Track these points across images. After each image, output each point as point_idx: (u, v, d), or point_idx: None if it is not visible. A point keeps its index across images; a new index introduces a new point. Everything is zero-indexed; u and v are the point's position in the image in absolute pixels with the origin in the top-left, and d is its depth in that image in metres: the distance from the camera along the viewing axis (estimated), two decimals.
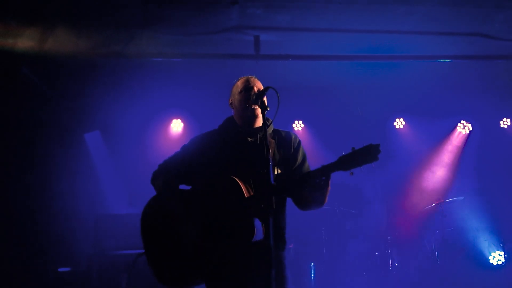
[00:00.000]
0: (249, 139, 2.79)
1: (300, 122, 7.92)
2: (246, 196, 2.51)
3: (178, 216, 2.66)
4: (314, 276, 6.28)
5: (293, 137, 2.87)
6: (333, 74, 6.79)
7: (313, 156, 7.60)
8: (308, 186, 2.47)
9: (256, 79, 2.89)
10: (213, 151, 2.76)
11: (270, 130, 2.80)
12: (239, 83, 2.88)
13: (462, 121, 8.19)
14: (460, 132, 8.24)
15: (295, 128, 7.91)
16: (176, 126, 7.69)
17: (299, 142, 2.88)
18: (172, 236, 2.65)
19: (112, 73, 6.22)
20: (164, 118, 7.64)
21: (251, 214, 2.46)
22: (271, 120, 2.71)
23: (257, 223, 2.47)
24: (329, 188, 2.55)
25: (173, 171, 2.78)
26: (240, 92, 2.82)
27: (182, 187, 2.84)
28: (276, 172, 2.70)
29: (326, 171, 2.41)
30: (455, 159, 8.04)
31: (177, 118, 7.68)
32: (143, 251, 2.78)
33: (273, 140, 2.79)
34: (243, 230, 2.47)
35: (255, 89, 2.79)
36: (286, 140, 2.84)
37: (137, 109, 7.03)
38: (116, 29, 5.14)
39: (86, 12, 4.90)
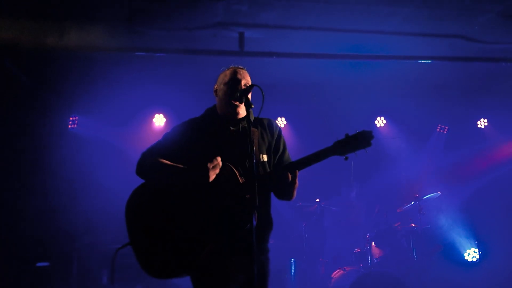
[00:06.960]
0: (232, 128, 2.78)
1: (283, 119, 7.97)
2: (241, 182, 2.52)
3: (171, 205, 2.59)
4: (294, 272, 6.35)
5: (274, 125, 2.92)
6: (317, 72, 6.85)
7: (295, 153, 7.67)
8: (299, 170, 2.56)
9: (246, 71, 2.86)
10: (196, 139, 2.74)
11: (251, 118, 2.78)
12: (228, 73, 2.83)
13: (440, 124, 8.34)
14: (438, 131, 8.40)
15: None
16: (159, 121, 7.65)
17: (280, 130, 2.94)
18: (164, 226, 2.57)
19: (95, 67, 6.15)
20: (147, 113, 7.59)
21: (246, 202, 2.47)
22: (252, 113, 2.76)
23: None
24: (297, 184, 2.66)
25: (160, 158, 2.69)
26: (227, 83, 2.77)
27: None
28: (262, 160, 2.73)
29: (322, 155, 2.49)
30: (433, 157, 8.21)
31: (159, 113, 7.64)
32: (126, 242, 2.67)
33: (255, 129, 2.78)
34: (240, 217, 2.45)
35: (243, 83, 2.75)
36: (269, 127, 2.88)
37: (119, 103, 6.97)
38: (100, 23, 5.08)
39: (72, 6, 4.84)
